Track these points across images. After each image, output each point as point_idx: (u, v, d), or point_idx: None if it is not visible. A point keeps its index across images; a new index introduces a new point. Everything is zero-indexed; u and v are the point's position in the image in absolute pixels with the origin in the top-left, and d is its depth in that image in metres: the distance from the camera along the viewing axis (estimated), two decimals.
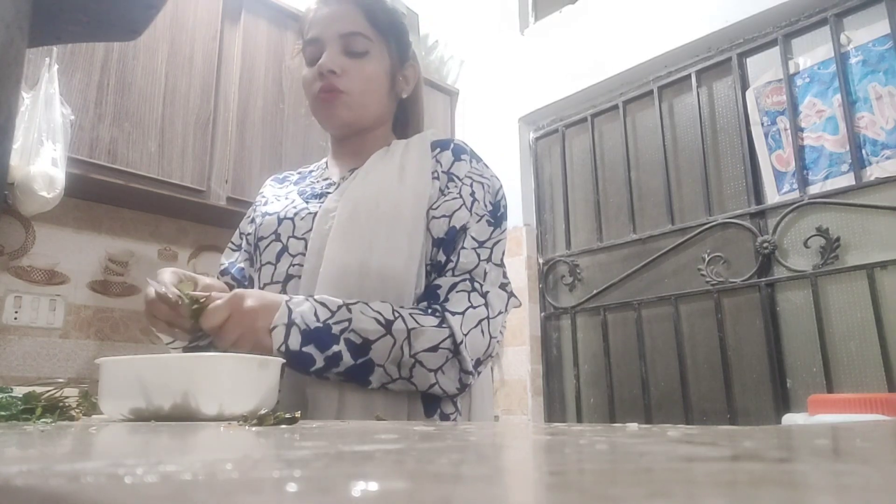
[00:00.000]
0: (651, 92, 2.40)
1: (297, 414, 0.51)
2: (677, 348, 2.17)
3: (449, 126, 2.90)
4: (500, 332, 0.85)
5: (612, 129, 2.54)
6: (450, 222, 0.86)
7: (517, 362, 2.53)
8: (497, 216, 0.91)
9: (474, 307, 0.81)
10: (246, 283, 0.99)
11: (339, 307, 0.76)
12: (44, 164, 1.54)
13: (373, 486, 0.16)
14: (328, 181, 0.97)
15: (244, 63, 2.10)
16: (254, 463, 0.23)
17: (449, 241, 0.86)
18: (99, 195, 1.91)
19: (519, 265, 2.59)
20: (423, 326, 0.77)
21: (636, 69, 2.40)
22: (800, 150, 2.01)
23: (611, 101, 2.53)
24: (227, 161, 2.00)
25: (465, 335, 0.78)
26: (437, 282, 0.84)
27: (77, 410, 0.59)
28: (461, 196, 0.88)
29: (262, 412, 0.52)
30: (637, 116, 2.47)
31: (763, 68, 2.15)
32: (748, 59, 2.19)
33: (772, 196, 2.06)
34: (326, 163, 1.04)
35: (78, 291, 1.91)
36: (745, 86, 2.17)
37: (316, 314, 0.75)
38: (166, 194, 1.87)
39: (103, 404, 0.62)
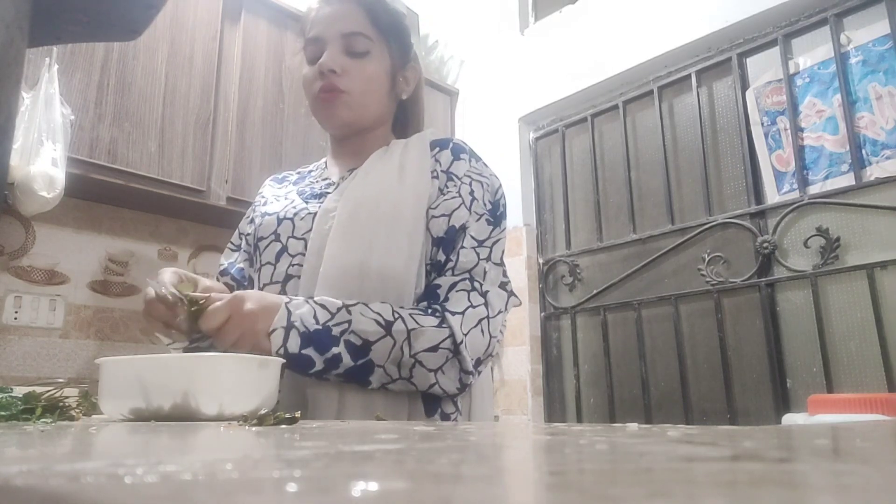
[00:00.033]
0: (651, 92, 2.40)
1: (297, 414, 0.51)
2: (677, 348, 2.17)
3: (449, 126, 2.90)
4: (500, 331, 0.85)
5: (612, 129, 2.54)
6: (449, 221, 0.86)
7: (517, 362, 2.54)
8: (496, 215, 0.91)
9: (474, 307, 0.81)
10: (245, 284, 0.99)
11: (339, 309, 0.76)
12: (44, 164, 1.54)
13: (373, 486, 0.16)
14: (327, 181, 0.97)
15: (244, 63, 2.10)
16: (254, 463, 0.23)
17: (448, 241, 0.86)
18: (99, 195, 1.91)
19: (519, 265, 2.59)
20: (423, 327, 0.77)
21: (636, 69, 2.40)
22: (800, 150, 2.01)
23: (611, 101, 2.53)
24: (227, 161, 2.00)
25: (465, 335, 0.78)
26: (437, 281, 0.84)
27: (77, 410, 0.59)
28: (460, 195, 0.88)
29: (262, 412, 0.52)
30: (637, 116, 2.47)
31: (763, 68, 2.15)
32: (748, 59, 2.19)
33: (772, 196, 2.06)
34: (326, 163, 1.04)
35: (78, 291, 1.91)
36: (745, 86, 2.17)
37: (315, 317, 0.75)
38: (166, 194, 1.87)
39: (103, 404, 0.62)
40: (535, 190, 2.74)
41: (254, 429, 0.45)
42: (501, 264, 0.89)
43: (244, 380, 0.62)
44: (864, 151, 1.89)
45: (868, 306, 1.79)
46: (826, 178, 1.95)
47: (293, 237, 0.90)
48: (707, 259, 2.13)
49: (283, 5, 2.24)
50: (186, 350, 0.88)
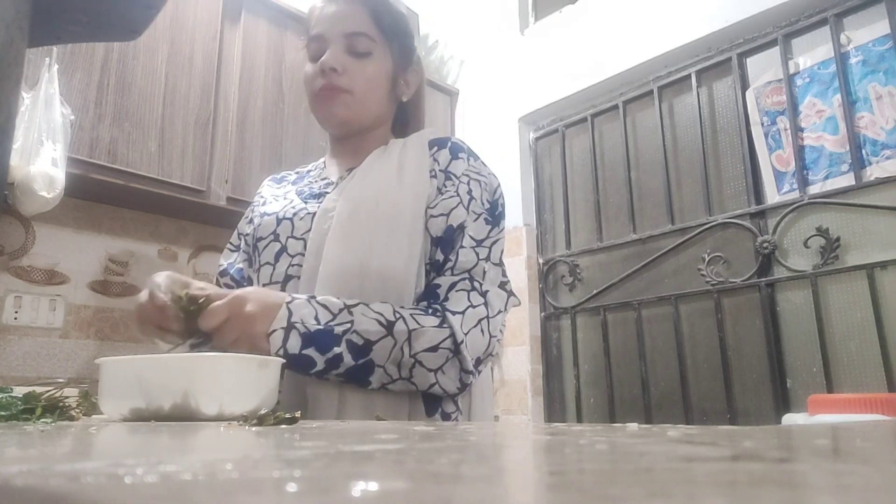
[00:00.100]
0: (651, 92, 2.40)
1: (297, 414, 0.51)
2: (677, 348, 2.17)
3: (449, 126, 2.90)
4: (500, 331, 0.85)
5: (612, 129, 2.54)
6: (447, 221, 0.86)
7: (517, 362, 2.54)
8: (495, 215, 0.90)
9: (474, 306, 0.81)
10: (245, 284, 0.98)
11: (341, 309, 0.76)
12: (44, 164, 1.54)
13: (373, 486, 0.16)
14: (326, 181, 0.97)
15: (244, 63, 2.10)
16: (254, 463, 0.23)
17: (447, 240, 0.86)
18: (99, 195, 1.91)
19: (519, 265, 2.59)
20: (423, 327, 0.77)
21: (636, 69, 2.40)
22: (800, 150, 2.01)
23: (611, 101, 2.53)
24: (227, 161, 2.00)
25: (466, 335, 0.78)
26: (437, 281, 0.84)
27: (77, 410, 0.59)
28: (458, 194, 0.88)
29: (262, 412, 0.52)
30: (637, 116, 2.47)
31: (763, 68, 2.15)
32: (748, 59, 2.19)
33: (772, 196, 2.06)
34: (325, 162, 1.04)
35: (78, 291, 1.91)
36: (745, 86, 2.17)
37: (317, 317, 0.75)
38: (166, 194, 1.87)
39: (103, 404, 0.62)
40: (535, 190, 2.74)
41: (254, 429, 0.45)
42: (501, 264, 0.89)
43: (244, 380, 0.62)
44: (864, 151, 1.89)
45: (868, 306, 1.79)
46: (826, 178, 1.95)
47: (292, 237, 0.90)
48: (707, 259, 2.14)
49: (283, 5, 2.24)
50: (191, 351, 0.87)
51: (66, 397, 0.59)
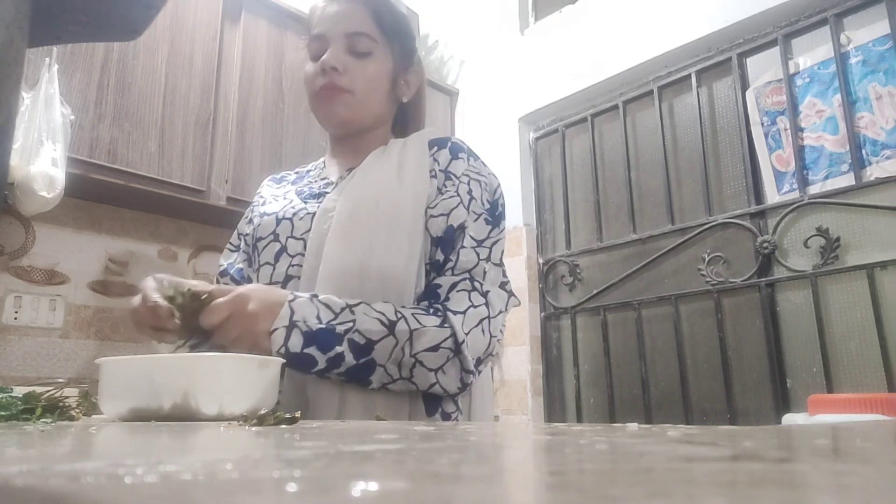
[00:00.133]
0: (651, 92, 2.40)
1: (297, 414, 0.51)
2: (677, 348, 2.17)
3: (449, 126, 2.90)
4: (501, 331, 0.85)
5: (612, 129, 2.54)
6: (447, 221, 0.86)
7: (517, 362, 2.54)
8: (495, 215, 0.91)
9: (475, 306, 0.81)
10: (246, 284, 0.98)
11: (343, 309, 0.76)
12: (44, 164, 1.54)
13: (373, 486, 0.16)
14: (326, 181, 0.97)
15: (244, 63, 2.10)
16: (254, 463, 0.23)
17: (447, 241, 0.86)
18: (99, 195, 1.91)
19: (519, 265, 2.59)
20: (425, 326, 0.77)
21: (636, 69, 2.40)
22: (800, 150, 2.01)
23: (611, 101, 2.53)
24: (227, 161, 2.00)
25: (467, 335, 0.78)
26: (437, 281, 0.84)
27: (77, 410, 0.59)
28: (458, 194, 0.88)
29: (262, 412, 0.52)
30: (637, 116, 2.47)
31: (763, 68, 2.15)
32: (748, 59, 2.19)
33: (772, 196, 2.06)
34: (324, 162, 1.04)
35: (78, 291, 1.91)
36: (745, 86, 2.17)
37: (319, 316, 0.75)
38: (166, 194, 1.87)
39: (103, 404, 0.62)
40: (535, 190, 2.74)
41: (254, 429, 0.45)
42: (501, 265, 0.89)
43: (244, 380, 0.62)
44: (864, 151, 1.89)
45: (868, 306, 1.79)
46: (826, 178, 1.95)
47: (292, 237, 0.90)
48: (707, 259, 2.14)
49: (283, 5, 2.24)
50: (193, 350, 0.87)
51: (66, 397, 0.59)
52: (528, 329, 2.53)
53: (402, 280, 0.82)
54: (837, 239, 1.88)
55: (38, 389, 0.59)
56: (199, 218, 2.14)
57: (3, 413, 0.53)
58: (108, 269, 1.98)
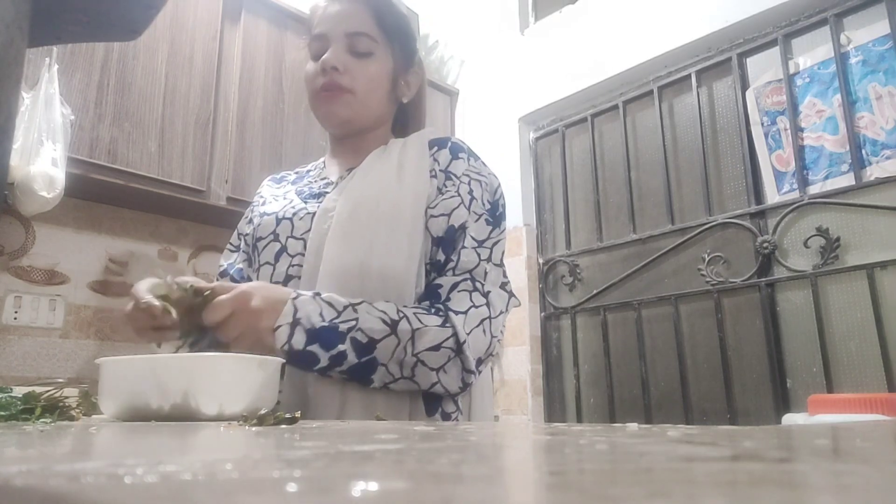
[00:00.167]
0: (651, 92, 2.40)
1: (298, 414, 0.51)
2: (677, 348, 2.17)
3: (449, 126, 2.90)
4: (501, 331, 0.85)
5: (612, 129, 2.54)
6: (448, 221, 0.86)
7: (517, 362, 2.54)
8: (496, 215, 0.91)
9: (476, 307, 0.81)
10: None
11: (346, 307, 0.76)
12: (44, 164, 1.54)
13: (373, 486, 0.16)
14: (326, 181, 0.97)
15: (244, 63, 2.10)
16: (254, 463, 0.23)
17: (448, 241, 0.86)
18: (99, 195, 1.91)
19: (519, 265, 2.59)
20: (427, 326, 0.77)
21: (636, 69, 2.40)
22: (800, 150, 2.01)
23: (611, 101, 2.53)
24: (227, 161, 2.00)
25: (468, 334, 0.78)
26: (438, 281, 0.84)
27: (77, 410, 0.59)
28: (459, 195, 0.88)
29: (262, 412, 0.52)
30: (637, 116, 2.47)
31: (763, 68, 2.15)
32: (748, 59, 2.19)
33: (772, 196, 2.06)
34: (324, 162, 1.04)
35: (78, 291, 1.91)
36: (745, 86, 2.17)
37: (322, 314, 0.75)
38: (166, 194, 1.87)
39: (103, 404, 0.62)
40: (535, 190, 2.74)
41: (254, 429, 0.45)
42: (501, 265, 0.89)
43: (244, 380, 0.62)
44: (864, 151, 1.89)
45: (868, 306, 1.79)
46: (826, 178, 1.95)
47: (292, 237, 0.90)
48: (707, 259, 2.14)
49: (283, 5, 2.24)
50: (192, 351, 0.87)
51: (66, 397, 0.59)
52: (528, 329, 2.53)
53: (402, 280, 0.82)
54: (837, 239, 1.88)
55: (38, 389, 0.59)
56: (199, 218, 2.14)
57: (2, 413, 0.53)
58: (108, 269, 1.98)
